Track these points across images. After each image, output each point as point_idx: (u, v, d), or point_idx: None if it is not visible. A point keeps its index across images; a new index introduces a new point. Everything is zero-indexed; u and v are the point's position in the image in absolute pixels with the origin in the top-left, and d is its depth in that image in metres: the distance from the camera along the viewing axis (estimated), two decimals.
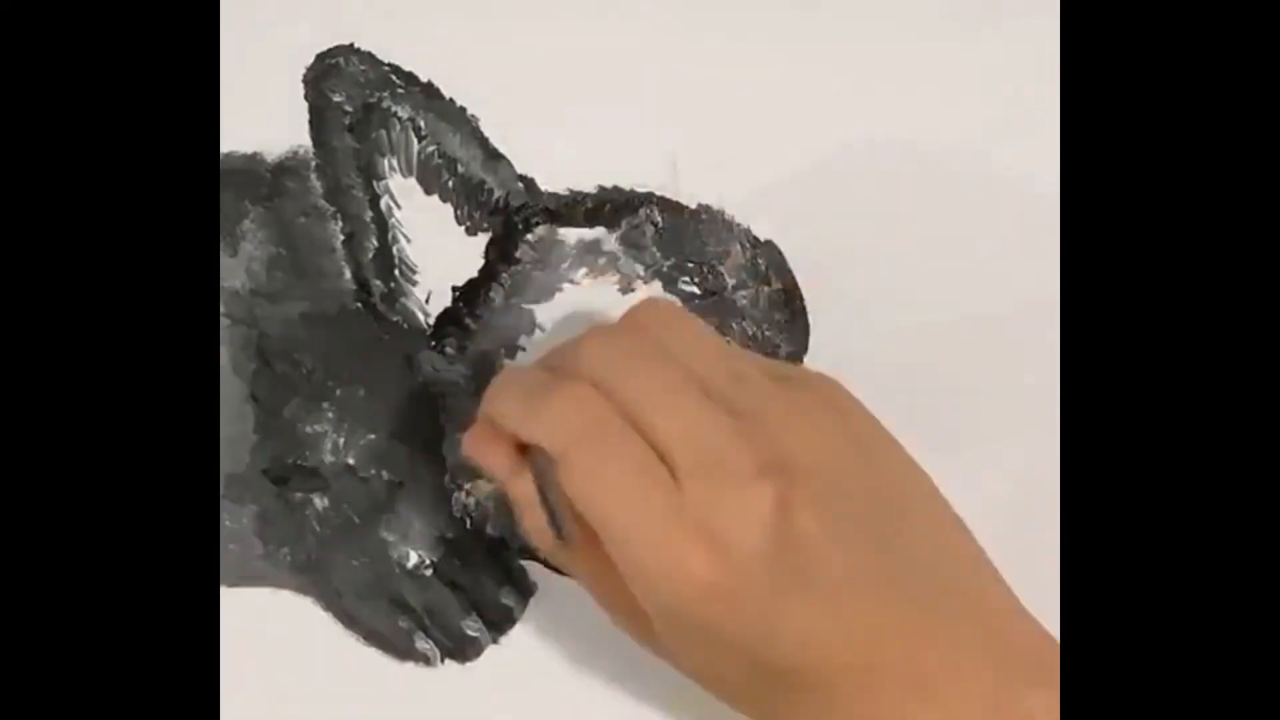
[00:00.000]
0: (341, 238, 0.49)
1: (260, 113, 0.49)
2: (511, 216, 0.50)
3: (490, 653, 0.51)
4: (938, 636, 0.40)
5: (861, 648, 0.39)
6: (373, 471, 0.50)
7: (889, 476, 0.42)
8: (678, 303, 0.46)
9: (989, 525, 0.49)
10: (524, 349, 0.49)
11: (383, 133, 0.49)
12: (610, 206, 0.50)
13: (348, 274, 0.49)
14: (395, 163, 0.49)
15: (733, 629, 0.39)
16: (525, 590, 0.51)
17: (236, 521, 0.50)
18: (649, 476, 0.39)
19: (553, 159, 0.50)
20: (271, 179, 0.50)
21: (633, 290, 0.49)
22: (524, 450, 0.42)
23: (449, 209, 0.50)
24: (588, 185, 0.50)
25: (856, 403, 0.43)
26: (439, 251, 0.50)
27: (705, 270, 0.50)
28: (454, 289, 0.50)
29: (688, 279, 0.50)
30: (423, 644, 0.50)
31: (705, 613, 0.39)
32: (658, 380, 0.41)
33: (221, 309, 0.49)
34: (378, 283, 0.49)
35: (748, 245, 0.50)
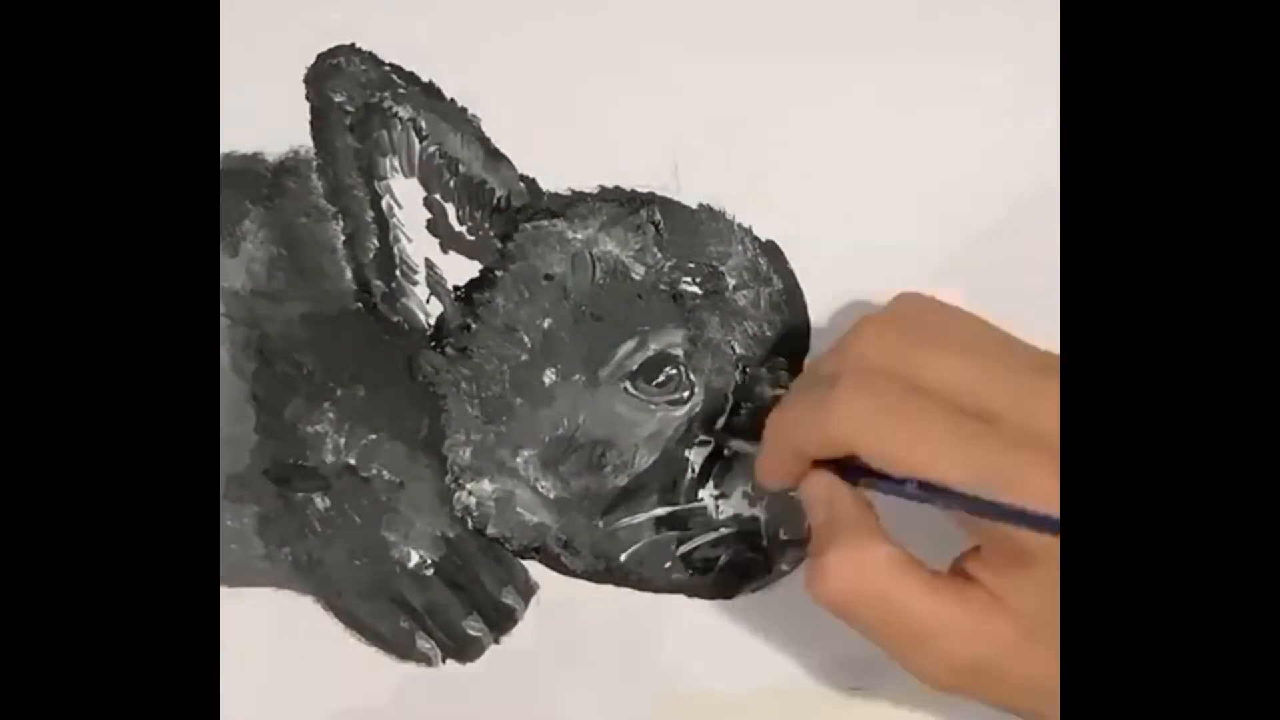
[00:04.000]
0: (342, 238, 0.49)
1: (260, 113, 0.49)
2: (513, 217, 0.50)
3: (491, 653, 0.51)
4: None
5: None
6: (373, 471, 0.50)
7: None
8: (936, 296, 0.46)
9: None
10: (525, 349, 0.49)
11: (384, 133, 0.49)
12: (612, 206, 0.50)
13: (348, 274, 0.49)
14: (396, 163, 0.49)
15: None
16: (527, 590, 0.51)
17: (237, 521, 0.50)
18: (964, 428, 0.39)
19: (554, 159, 0.50)
20: (272, 179, 0.50)
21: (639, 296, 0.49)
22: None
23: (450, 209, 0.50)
24: (589, 185, 0.50)
25: None
26: (439, 252, 0.50)
27: (706, 270, 0.50)
28: (454, 289, 0.50)
29: (688, 279, 0.50)
30: (424, 644, 0.51)
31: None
32: (943, 358, 0.41)
33: (222, 309, 0.49)
34: (378, 283, 0.49)
35: (749, 246, 0.50)
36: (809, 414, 0.42)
